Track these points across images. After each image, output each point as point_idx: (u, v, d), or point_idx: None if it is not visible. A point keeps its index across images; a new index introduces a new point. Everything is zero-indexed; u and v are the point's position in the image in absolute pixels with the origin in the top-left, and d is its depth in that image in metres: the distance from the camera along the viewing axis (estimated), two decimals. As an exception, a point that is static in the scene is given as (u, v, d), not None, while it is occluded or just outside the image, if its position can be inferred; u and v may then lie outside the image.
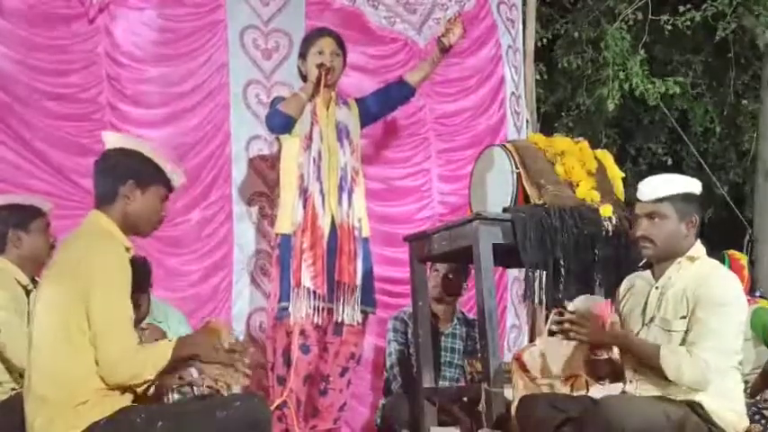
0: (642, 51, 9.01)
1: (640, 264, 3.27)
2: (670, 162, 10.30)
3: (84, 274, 2.53)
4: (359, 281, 4.17)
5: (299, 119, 4.19)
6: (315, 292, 4.07)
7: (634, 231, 3.13)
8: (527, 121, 5.71)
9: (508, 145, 3.97)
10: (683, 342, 2.92)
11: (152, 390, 2.62)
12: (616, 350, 3.13)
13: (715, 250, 4.23)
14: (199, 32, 4.79)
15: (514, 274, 5.19)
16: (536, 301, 3.72)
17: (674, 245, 3.03)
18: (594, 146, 4.26)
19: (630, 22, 9.16)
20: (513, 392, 3.44)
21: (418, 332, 4.01)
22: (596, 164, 3.99)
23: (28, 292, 3.43)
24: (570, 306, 3.07)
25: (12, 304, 3.33)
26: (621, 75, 8.95)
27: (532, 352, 3.49)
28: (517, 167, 3.81)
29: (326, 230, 4.14)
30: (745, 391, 3.31)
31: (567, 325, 2.96)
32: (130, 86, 4.63)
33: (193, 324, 4.32)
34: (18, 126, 4.36)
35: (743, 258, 4.96)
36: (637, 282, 3.19)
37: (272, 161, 4.69)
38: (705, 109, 10.07)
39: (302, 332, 4.07)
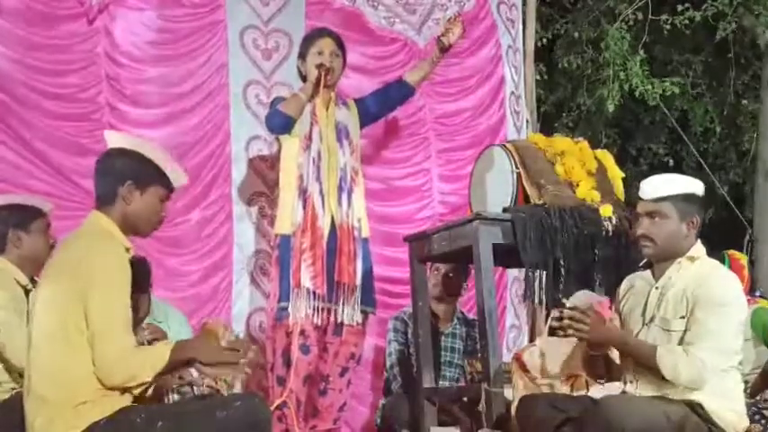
0: (642, 51, 9.01)
1: (641, 264, 3.27)
2: (671, 163, 10.30)
3: (83, 274, 2.53)
4: (359, 281, 4.17)
5: (299, 119, 4.19)
6: (314, 293, 4.07)
7: (635, 230, 3.13)
8: (527, 121, 5.71)
9: (508, 145, 3.97)
10: (682, 342, 2.92)
11: (151, 390, 2.62)
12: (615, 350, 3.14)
13: (715, 250, 4.23)
14: (198, 33, 4.79)
15: (514, 273, 5.19)
16: (536, 301, 3.73)
17: (675, 245, 3.03)
18: (594, 146, 4.26)
19: (630, 22, 9.16)
20: (513, 392, 3.44)
21: (418, 332, 4.01)
22: (596, 164, 3.99)
23: (27, 292, 3.42)
24: (569, 302, 3.07)
25: (11, 304, 3.33)
26: (622, 75, 8.94)
27: (532, 352, 3.50)
28: (517, 167, 3.81)
29: (326, 231, 4.14)
30: (745, 391, 3.31)
31: (566, 321, 2.94)
32: (130, 86, 4.62)
33: (193, 324, 4.33)
34: (18, 126, 4.36)
35: (743, 258, 4.96)
36: (637, 282, 3.19)
37: (272, 161, 4.69)
38: (705, 109, 10.06)
39: (302, 332, 4.07)
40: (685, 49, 9.96)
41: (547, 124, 9.20)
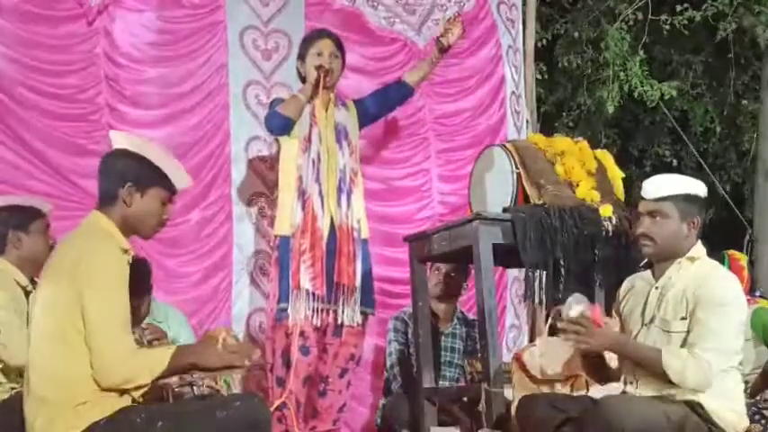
0: (642, 52, 9.00)
1: (641, 264, 3.27)
2: (675, 163, 10.30)
3: (80, 274, 2.53)
4: (358, 282, 4.17)
5: (298, 120, 4.19)
6: (314, 294, 4.07)
7: (635, 229, 3.13)
8: (527, 121, 5.71)
9: (508, 145, 3.97)
10: (684, 343, 2.92)
11: (148, 392, 2.62)
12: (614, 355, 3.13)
13: (715, 250, 4.23)
14: (198, 33, 4.79)
15: (514, 273, 5.19)
16: (536, 301, 3.73)
17: (675, 245, 3.03)
18: (594, 146, 4.26)
19: (630, 23, 9.16)
20: (513, 392, 3.44)
21: (418, 332, 4.01)
22: (596, 164, 3.99)
23: (27, 293, 3.43)
24: (565, 309, 3.05)
25: (11, 305, 3.33)
26: (621, 75, 8.94)
27: (532, 352, 3.49)
28: (517, 167, 3.82)
29: (326, 232, 4.14)
30: (745, 391, 3.30)
31: (567, 327, 2.94)
32: (129, 87, 4.63)
33: (193, 324, 4.33)
34: (17, 126, 4.36)
35: (743, 258, 4.96)
36: (637, 282, 3.19)
37: (272, 162, 4.69)
38: (705, 109, 10.06)
39: (301, 333, 4.07)
40: (685, 50, 9.95)
41: (547, 124, 9.20)
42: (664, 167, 9.87)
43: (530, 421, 3.04)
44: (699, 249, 3.06)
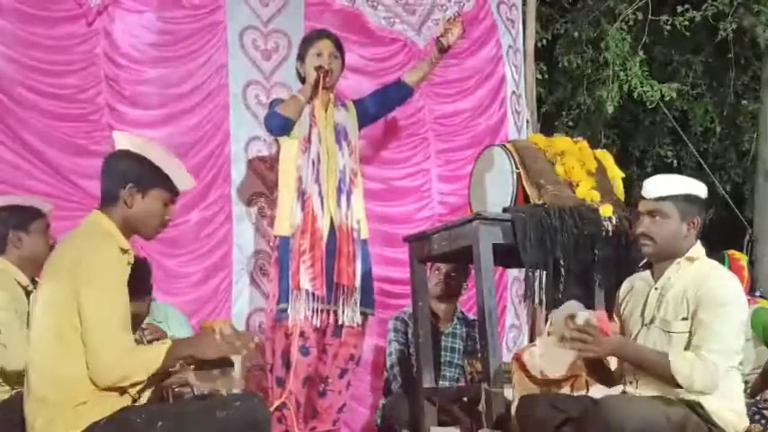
0: (642, 52, 9.01)
1: (640, 264, 3.27)
2: (675, 164, 10.30)
3: (79, 273, 2.53)
4: (358, 282, 4.17)
5: (298, 121, 4.19)
6: (314, 294, 4.07)
7: (635, 229, 3.13)
8: (527, 121, 5.71)
9: (508, 145, 3.97)
10: (686, 344, 2.91)
11: (147, 392, 2.62)
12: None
13: (715, 250, 4.23)
14: (198, 34, 4.79)
15: (514, 273, 5.19)
16: (536, 301, 3.72)
17: (674, 244, 3.03)
18: (594, 146, 4.26)
19: (630, 23, 9.16)
20: (513, 392, 3.44)
21: (418, 332, 4.01)
22: (596, 164, 3.99)
23: (28, 293, 3.43)
24: (558, 313, 3.05)
25: (12, 305, 3.33)
26: (621, 75, 8.94)
27: (532, 352, 3.49)
28: (517, 167, 3.81)
29: (325, 232, 4.14)
30: (745, 391, 3.30)
31: (573, 335, 2.94)
32: (129, 87, 4.63)
33: (193, 324, 4.33)
34: (17, 127, 4.36)
35: (743, 258, 4.96)
36: (637, 283, 3.19)
37: (272, 162, 4.69)
38: (705, 109, 10.06)
39: (301, 334, 4.06)
40: (685, 50, 9.95)
41: (547, 124, 9.20)
42: (664, 167, 9.87)
43: (530, 421, 3.04)
44: (698, 249, 3.06)
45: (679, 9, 8.93)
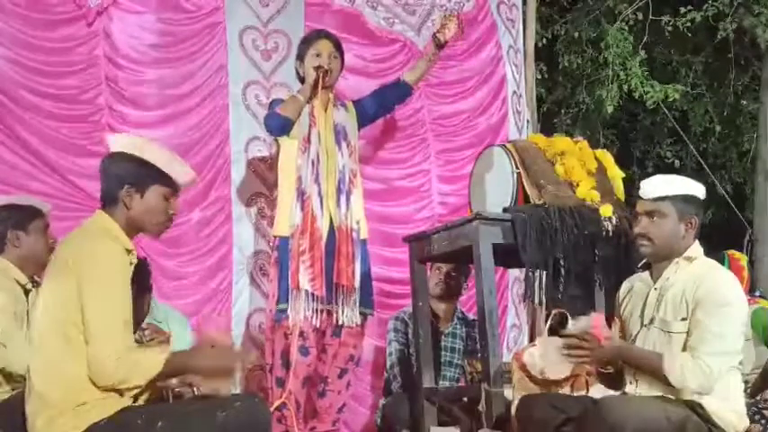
0: (642, 52, 9.00)
1: (639, 265, 3.27)
2: (675, 164, 10.30)
3: (82, 272, 2.53)
4: (357, 283, 4.17)
5: (297, 121, 4.20)
6: (313, 295, 4.07)
7: (634, 229, 3.13)
8: (527, 121, 5.71)
9: (508, 145, 3.97)
10: (684, 344, 2.92)
11: (145, 394, 2.62)
12: None
13: (715, 250, 4.23)
14: (198, 35, 4.79)
15: (515, 274, 5.19)
16: (536, 301, 3.72)
17: (672, 244, 3.04)
18: (594, 145, 4.26)
19: (631, 23, 9.16)
20: (513, 392, 3.44)
21: (418, 332, 4.00)
22: (596, 164, 3.99)
23: (27, 292, 3.43)
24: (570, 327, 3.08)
25: (11, 305, 3.33)
26: (622, 75, 8.94)
27: (532, 352, 3.49)
28: (517, 167, 3.81)
29: (325, 232, 4.14)
30: (745, 391, 3.31)
31: (564, 350, 2.97)
32: (129, 88, 4.63)
33: (194, 324, 4.33)
34: (17, 128, 4.36)
35: (743, 259, 4.96)
36: (636, 284, 3.20)
37: (271, 162, 4.69)
38: (705, 109, 10.06)
39: (301, 334, 4.07)
40: (685, 50, 9.95)
41: (547, 124, 9.20)
42: (664, 168, 9.87)
43: (530, 421, 3.04)
44: (696, 249, 3.07)
45: (682, 11, 8.92)
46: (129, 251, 2.68)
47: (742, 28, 9.03)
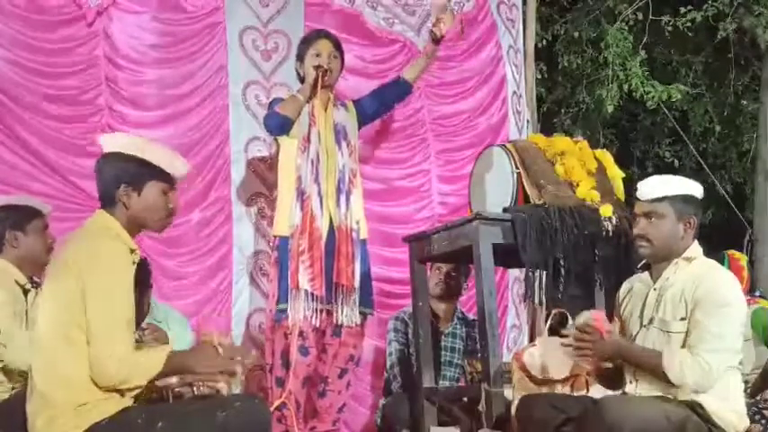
0: (643, 52, 9.00)
1: (639, 265, 3.27)
2: (675, 162, 10.30)
3: (84, 273, 2.53)
4: (357, 282, 4.17)
5: (297, 120, 4.20)
6: (312, 294, 4.07)
7: (633, 231, 3.14)
8: (527, 121, 5.71)
9: (508, 145, 3.97)
10: (684, 344, 2.92)
11: (148, 392, 2.62)
12: None
13: (715, 250, 4.23)
14: (198, 35, 4.79)
15: (515, 274, 5.19)
16: (536, 301, 3.72)
17: (671, 245, 3.04)
18: (594, 145, 4.26)
19: (631, 23, 9.16)
20: (513, 392, 3.44)
21: (418, 332, 4.01)
22: (596, 164, 3.99)
23: (26, 292, 3.44)
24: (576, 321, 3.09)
25: (10, 305, 3.33)
26: (621, 75, 8.94)
27: (532, 352, 3.49)
28: (517, 167, 3.81)
29: (324, 232, 4.14)
30: (745, 391, 3.31)
31: (567, 341, 2.97)
32: (129, 89, 4.63)
33: (194, 324, 4.32)
34: (17, 128, 4.36)
35: (743, 259, 4.96)
36: (636, 284, 3.20)
37: (271, 162, 4.69)
38: (705, 109, 10.06)
39: (301, 334, 4.07)
40: (685, 50, 9.95)
41: (547, 123, 9.20)
42: (664, 168, 9.86)
43: (530, 421, 3.04)
44: (695, 249, 3.07)
45: (682, 11, 8.92)
46: (132, 250, 2.68)
47: (742, 28, 9.03)
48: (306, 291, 4.06)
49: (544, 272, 3.68)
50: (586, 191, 3.84)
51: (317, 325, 4.11)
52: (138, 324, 3.45)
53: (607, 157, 4.08)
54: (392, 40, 5.26)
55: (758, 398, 4.06)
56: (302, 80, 4.34)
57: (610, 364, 3.09)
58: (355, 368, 4.38)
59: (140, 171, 2.71)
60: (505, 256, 3.77)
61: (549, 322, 3.45)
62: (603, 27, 9.29)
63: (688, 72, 9.96)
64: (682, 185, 3.09)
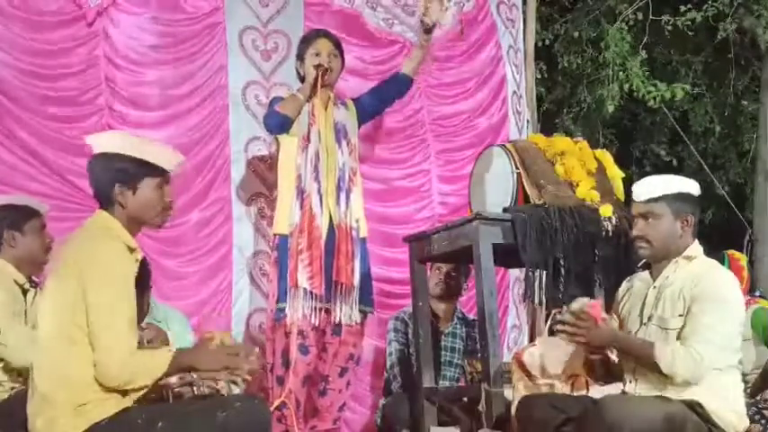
0: (643, 52, 9.00)
1: (639, 265, 3.28)
2: (675, 162, 10.30)
3: (85, 273, 2.53)
4: (357, 281, 4.17)
5: (297, 119, 4.20)
6: (312, 293, 4.07)
7: (632, 232, 3.15)
8: (527, 121, 5.71)
9: (508, 145, 3.97)
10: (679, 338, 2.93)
11: (148, 392, 2.62)
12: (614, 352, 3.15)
13: (715, 250, 4.23)
14: (198, 36, 4.80)
15: (516, 274, 5.19)
16: (536, 301, 3.72)
17: (670, 244, 3.05)
18: (594, 145, 4.26)
19: (631, 23, 9.15)
20: (513, 392, 3.44)
21: (418, 332, 4.00)
22: (596, 164, 3.99)
23: (25, 292, 3.44)
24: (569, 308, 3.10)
25: (9, 306, 3.33)
26: (621, 75, 8.94)
27: (532, 352, 3.49)
28: (517, 167, 3.81)
29: (324, 231, 4.14)
30: (745, 391, 3.31)
31: (559, 326, 2.99)
32: (129, 89, 4.63)
33: (194, 324, 4.33)
34: (17, 129, 4.36)
35: (742, 259, 4.96)
36: (635, 283, 3.21)
37: (271, 162, 4.69)
38: (705, 109, 10.06)
39: (301, 333, 4.07)
40: (685, 50, 9.95)
41: (547, 123, 9.20)
42: (663, 168, 9.86)
43: (530, 421, 3.04)
44: (695, 248, 3.08)
45: (682, 10, 8.91)
46: (132, 249, 2.68)
47: (742, 28, 9.03)
48: (305, 289, 4.06)
49: (544, 272, 3.68)
50: (586, 191, 3.84)
51: (317, 323, 4.11)
52: (138, 324, 3.47)
53: (607, 157, 4.08)
54: (392, 40, 5.26)
55: (758, 398, 4.06)
56: (302, 80, 4.35)
57: (599, 355, 3.10)
58: (356, 367, 4.38)
59: (133, 170, 2.70)
60: (505, 256, 3.77)
61: (548, 322, 3.45)
62: (603, 27, 9.28)
63: (688, 72, 9.96)
64: (677, 184, 3.10)
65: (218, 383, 2.85)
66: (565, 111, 10.20)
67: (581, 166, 3.90)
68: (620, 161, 4.43)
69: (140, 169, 2.71)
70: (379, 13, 5.25)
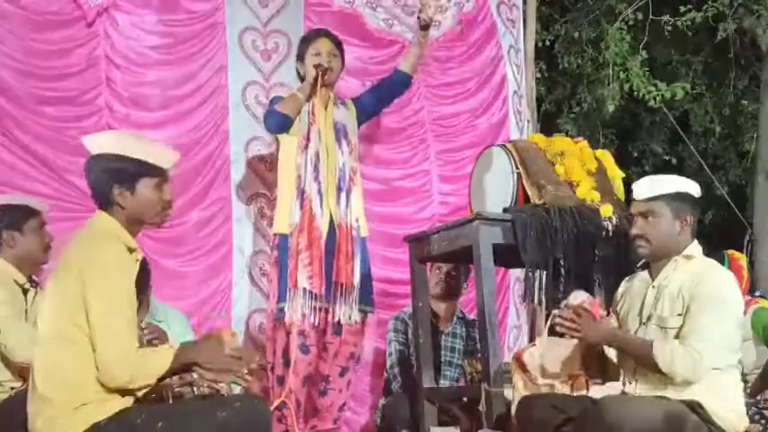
0: (643, 52, 9.00)
1: (638, 264, 3.28)
2: (674, 162, 10.30)
3: (84, 274, 2.53)
4: (357, 281, 4.17)
5: (297, 119, 4.20)
6: (312, 293, 4.07)
7: (631, 231, 3.15)
8: (527, 121, 5.71)
9: (508, 145, 3.97)
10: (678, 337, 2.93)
11: (148, 392, 2.62)
12: (612, 351, 3.15)
13: (715, 250, 4.23)
14: (198, 36, 4.80)
15: (516, 274, 5.19)
16: (536, 301, 3.72)
17: (669, 243, 3.06)
18: (594, 145, 4.26)
19: (631, 23, 9.16)
20: (513, 392, 3.44)
21: (418, 332, 4.00)
22: (596, 164, 3.99)
23: (25, 291, 3.44)
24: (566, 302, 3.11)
25: (9, 307, 3.33)
26: (621, 75, 8.94)
27: (532, 352, 3.49)
28: (517, 167, 3.81)
29: (325, 231, 4.14)
30: (745, 391, 3.31)
31: (558, 320, 3.00)
32: (129, 89, 4.63)
33: (193, 324, 4.33)
34: (17, 129, 4.37)
35: (742, 259, 4.96)
36: (635, 282, 3.21)
37: (271, 162, 4.70)
38: (705, 109, 10.06)
39: (301, 332, 4.07)
40: (685, 50, 9.95)
41: (547, 123, 9.20)
42: (663, 167, 9.86)
43: (530, 421, 3.04)
44: (695, 248, 3.08)
45: (682, 10, 8.91)
46: (132, 250, 2.67)
47: (742, 28, 9.03)
48: (305, 289, 4.06)
49: (544, 272, 3.68)
50: (586, 191, 3.84)
51: (317, 323, 4.11)
52: (137, 323, 3.47)
53: (607, 157, 4.08)
54: (391, 41, 5.26)
55: (758, 398, 4.06)
56: (303, 79, 4.35)
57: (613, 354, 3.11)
58: (356, 366, 4.38)
59: (130, 170, 2.69)
60: (506, 257, 3.77)
61: (548, 322, 3.45)
62: (603, 27, 9.28)
63: (688, 72, 9.96)
64: (676, 183, 3.11)
65: (219, 383, 2.84)
66: (564, 111, 10.19)
67: (581, 166, 3.90)
68: (620, 161, 4.43)
69: (138, 170, 2.70)
70: (379, 13, 5.25)
